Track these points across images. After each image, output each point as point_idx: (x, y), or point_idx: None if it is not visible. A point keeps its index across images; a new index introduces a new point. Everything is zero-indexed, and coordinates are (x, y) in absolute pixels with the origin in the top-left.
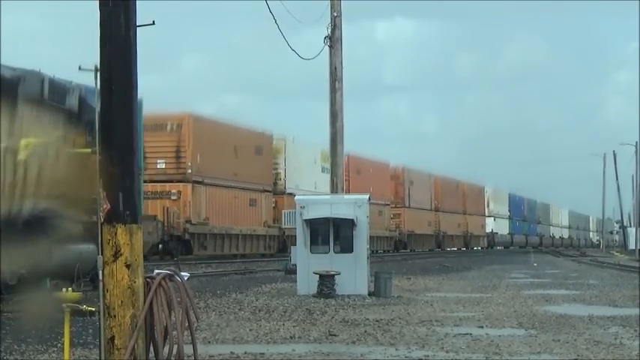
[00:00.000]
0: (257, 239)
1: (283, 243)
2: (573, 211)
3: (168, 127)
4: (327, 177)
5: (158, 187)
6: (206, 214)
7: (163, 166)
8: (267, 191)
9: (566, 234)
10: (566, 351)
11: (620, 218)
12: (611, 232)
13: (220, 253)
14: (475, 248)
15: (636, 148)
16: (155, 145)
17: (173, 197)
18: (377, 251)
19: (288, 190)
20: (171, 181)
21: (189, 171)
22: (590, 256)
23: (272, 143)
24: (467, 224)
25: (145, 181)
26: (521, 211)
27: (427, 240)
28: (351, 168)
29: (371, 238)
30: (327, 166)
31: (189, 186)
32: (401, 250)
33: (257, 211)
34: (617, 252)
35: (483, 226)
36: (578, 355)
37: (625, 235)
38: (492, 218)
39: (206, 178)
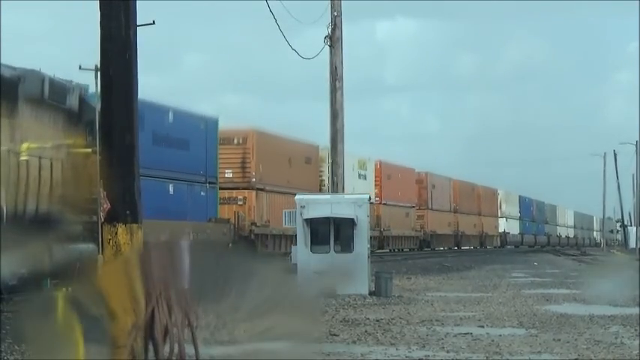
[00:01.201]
0: None
1: None
2: (578, 211)
3: (235, 141)
4: (363, 182)
5: (226, 193)
6: (267, 217)
7: (230, 176)
8: None
9: (571, 233)
10: (566, 350)
11: (620, 217)
12: (612, 231)
13: (278, 251)
14: (489, 247)
15: (636, 147)
16: (224, 156)
17: (239, 203)
18: (403, 250)
19: None
20: (238, 189)
21: (254, 179)
22: (590, 255)
23: (318, 153)
24: (482, 225)
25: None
26: (531, 212)
27: (447, 239)
28: (383, 173)
29: (399, 237)
30: (363, 172)
31: (254, 193)
32: (424, 249)
33: None
34: (617, 251)
35: (496, 227)
36: (579, 355)
37: (625, 234)
38: (504, 219)
39: (267, 185)
